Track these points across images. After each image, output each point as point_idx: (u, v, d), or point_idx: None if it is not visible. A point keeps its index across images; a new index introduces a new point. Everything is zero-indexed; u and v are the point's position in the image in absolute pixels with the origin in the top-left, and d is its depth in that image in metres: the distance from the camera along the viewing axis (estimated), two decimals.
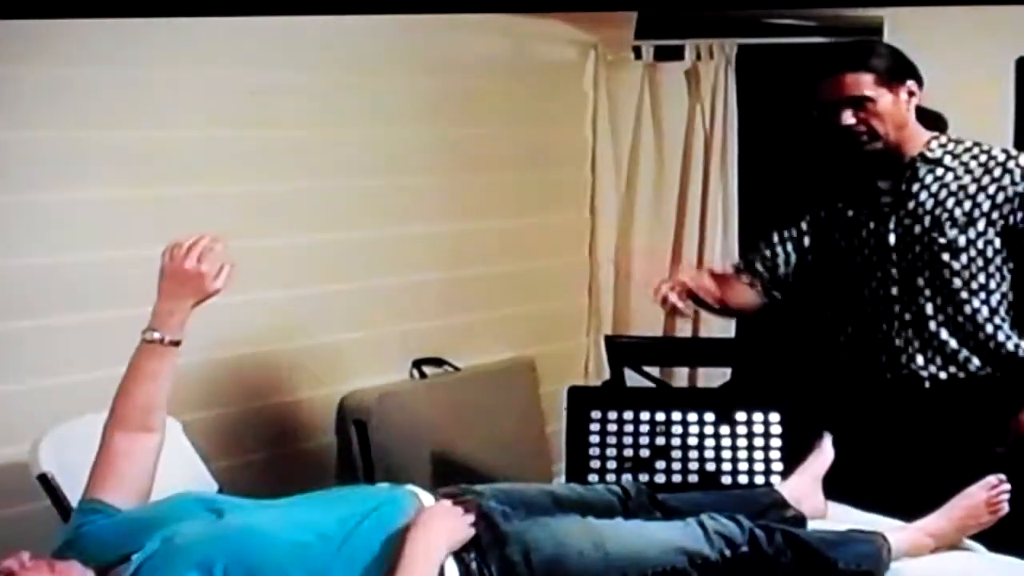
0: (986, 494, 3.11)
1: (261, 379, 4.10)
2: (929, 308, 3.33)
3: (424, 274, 4.60)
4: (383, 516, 2.62)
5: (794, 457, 3.42)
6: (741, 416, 3.60)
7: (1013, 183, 3.27)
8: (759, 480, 3.48)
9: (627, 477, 3.47)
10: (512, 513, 2.79)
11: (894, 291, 3.37)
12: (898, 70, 3.32)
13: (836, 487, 3.34)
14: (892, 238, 3.37)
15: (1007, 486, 3.11)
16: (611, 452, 3.60)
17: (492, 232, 4.87)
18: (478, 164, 4.80)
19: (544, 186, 5.18)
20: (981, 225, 3.28)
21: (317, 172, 4.21)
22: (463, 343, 4.73)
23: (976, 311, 3.31)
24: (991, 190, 3.28)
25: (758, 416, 3.60)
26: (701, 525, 2.87)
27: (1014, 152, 3.35)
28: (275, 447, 4.13)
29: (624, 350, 4.31)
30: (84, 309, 3.57)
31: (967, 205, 3.29)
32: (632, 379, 4.27)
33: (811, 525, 3.16)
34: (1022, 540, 3.06)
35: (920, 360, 3.36)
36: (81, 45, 3.47)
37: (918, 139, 3.36)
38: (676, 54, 5.31)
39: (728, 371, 4.72)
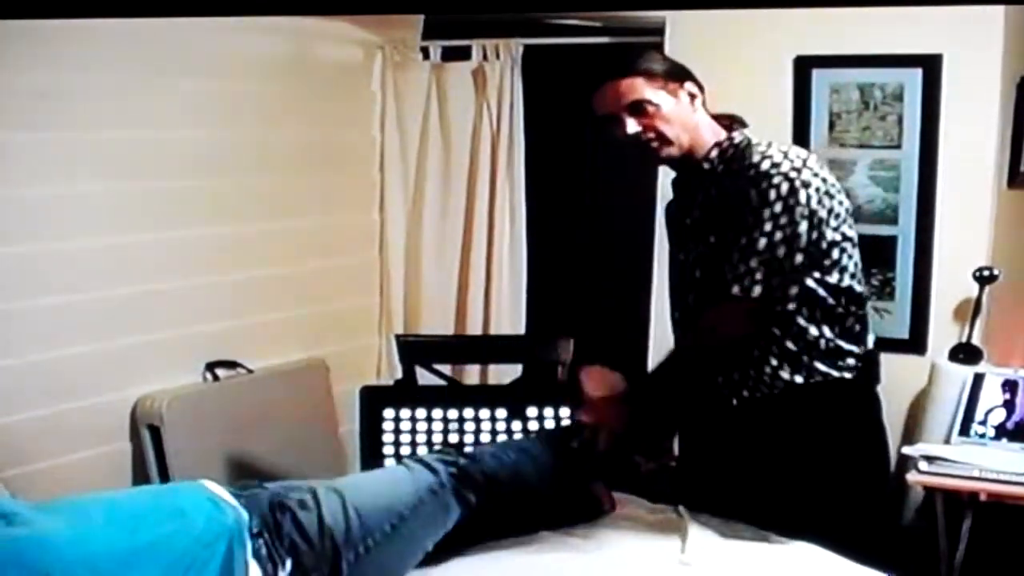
0: None
1: (53, 384, 4.00)
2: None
3: (216, 276, 4.57)
4: (176, 533, 2.59)
5: None
6: (532, 412, 3.68)
7: (757, 175, 2.92)
8: None
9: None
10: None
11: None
12: (671, 72, 3.04)
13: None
14: (685, 257, 3.12)
15: None
16: (405, 450, 3.65)
17: (283, 233, 4.86)
18: (269, 165, 4.79)
19: (334, 186, 5.19)
20: (762, 243, 2.89)
21: (105, 174, 4.15)
22: (256, 345, 4.71)
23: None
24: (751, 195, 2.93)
25: (549, 411, 3.68)
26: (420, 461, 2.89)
27: (768, 149, 2.98)
28: (69, 453, 4.05)
29: (415, 348, 4.33)
30: None
31: (737, 224, 2.94)
32: (425, 378, 4.30)
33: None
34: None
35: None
36: None
37: (708, 144, 3.07)
38: (463, 54, 5.37)
39: (519, 367, 4.79)
